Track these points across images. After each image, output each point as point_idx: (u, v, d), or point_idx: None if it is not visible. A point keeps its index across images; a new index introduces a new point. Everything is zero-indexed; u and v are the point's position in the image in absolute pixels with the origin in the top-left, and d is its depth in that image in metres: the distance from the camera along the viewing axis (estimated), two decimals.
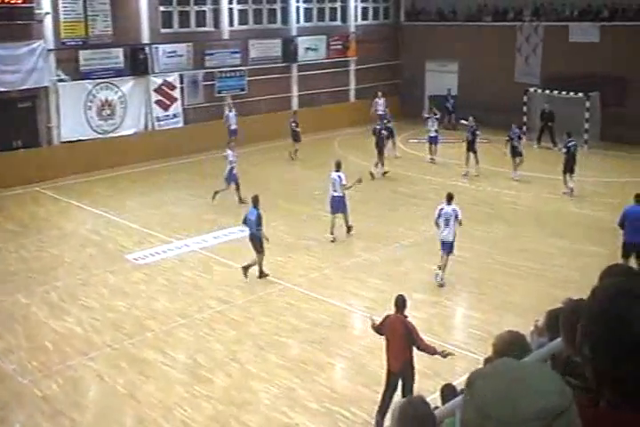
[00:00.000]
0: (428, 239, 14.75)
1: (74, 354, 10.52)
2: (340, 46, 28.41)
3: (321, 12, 28.31)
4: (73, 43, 21.40)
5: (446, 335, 10.78)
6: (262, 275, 13.19)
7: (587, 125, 23.44)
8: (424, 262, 13.69)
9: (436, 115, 22.68)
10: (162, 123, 23.64)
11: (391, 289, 11.62)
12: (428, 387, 8.50)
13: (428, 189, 19.11)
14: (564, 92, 23.92)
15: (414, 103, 28.62)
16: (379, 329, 8.70)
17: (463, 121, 21.74)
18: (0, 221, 17.28)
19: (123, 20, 22.18)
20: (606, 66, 23.41)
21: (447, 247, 12.72)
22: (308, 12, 27.72)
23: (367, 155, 21.55)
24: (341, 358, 10.44)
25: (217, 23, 24.86)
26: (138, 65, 22.60)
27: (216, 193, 17.74)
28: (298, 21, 27.18)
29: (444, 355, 8.46)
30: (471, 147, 20.49)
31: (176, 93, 23.87)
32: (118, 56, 22.34)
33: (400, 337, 8.36)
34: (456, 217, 12.58)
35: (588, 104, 23.47)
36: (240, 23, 25.62)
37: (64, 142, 21.51)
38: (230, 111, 23.86)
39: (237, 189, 17.82)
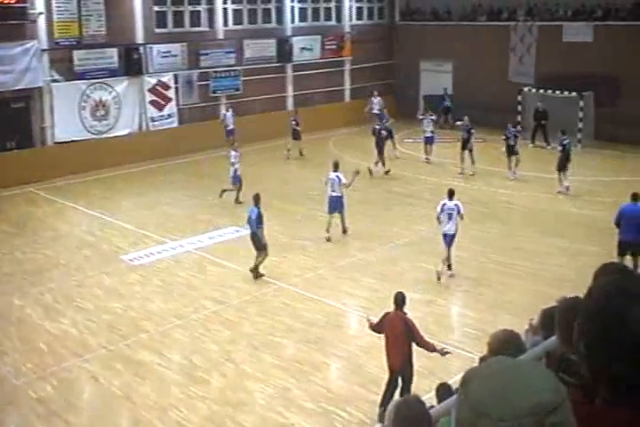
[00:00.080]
0: (423, 239, 14.78)
1: (69, 356, 10.49)
2: (334, 46, 28.41)
3: (315, 11, 28.30)
4: (67, 43, 21.33)
5: (441, 334, 10.78)
6: (257, 275, 13.17)
7: (580, 125, 23.52)
8: (419, 262, 13.71)
9: (431, 115, 22.71)
10: (156, 123, 23.58)
11: (386, 289, 11.62)
12: (423, 386, 8.48)
13: (424, 189, 19.13)
14: (558, 92, 23.98)
15: (409, 103, 28.62)
16: (377, 327, 8.70)
17: (458, 122, 21.84)
18: None
19: (117, 20, 22.11)
20: (600, 65, 23.46)
21: (449, 239, 12.90)
22: (302, 11, 27.71)
23: (363, 154, 21.55)
24: (337, 357, 10.44)
25: (211, 23, 24.83)
26: (132, 65, 22.53)
27: (223, 191, 17.91)
28: (292, 21, 27.18)
29: (443, 353, 8.50)
30: (466, 145, 20.54)
31: (170, 93, 23.82)
32: (112, 56, 22.27)
33: (399, 334, 8.37)
34: (458, 212, 12.83)
35: (581, 103, 23.55)
36: (235, 23, 25.61)
37: (58, 143, 21.44)
38: (228, 111, 23.87)
39: (239, 189, 17.88)
